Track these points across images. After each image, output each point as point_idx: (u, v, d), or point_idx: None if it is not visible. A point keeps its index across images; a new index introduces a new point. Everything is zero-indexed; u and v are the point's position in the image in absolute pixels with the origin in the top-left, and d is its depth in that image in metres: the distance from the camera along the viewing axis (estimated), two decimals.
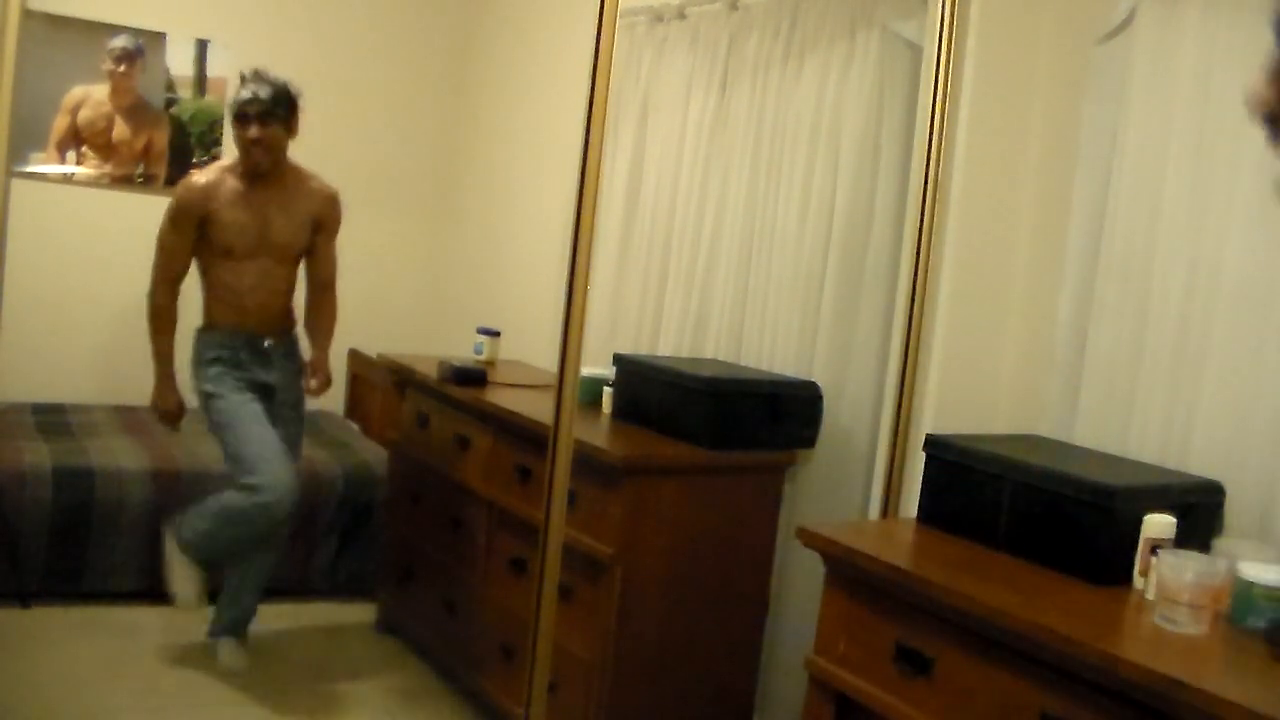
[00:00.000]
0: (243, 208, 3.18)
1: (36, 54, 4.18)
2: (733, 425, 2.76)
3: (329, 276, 3.45)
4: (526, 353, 4.04)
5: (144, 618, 3.62)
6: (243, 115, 3.12)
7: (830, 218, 2.94)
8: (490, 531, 3.16)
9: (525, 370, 3.78)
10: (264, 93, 3.11)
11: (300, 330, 3.43)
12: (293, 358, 3.38)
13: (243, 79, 3.18)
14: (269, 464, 3.07)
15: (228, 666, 3.32)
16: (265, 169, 3.17)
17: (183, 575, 3.22)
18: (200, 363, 3.23)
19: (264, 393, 3.28)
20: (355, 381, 4.88)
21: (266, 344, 3.28)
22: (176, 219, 3.17)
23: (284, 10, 4.71)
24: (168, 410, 3.28)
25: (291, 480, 3.11)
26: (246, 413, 3.16)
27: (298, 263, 3.36)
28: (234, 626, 3.40)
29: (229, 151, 4.62)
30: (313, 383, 3.33)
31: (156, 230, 3.22)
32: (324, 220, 3.35)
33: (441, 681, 3.46)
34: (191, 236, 3.18)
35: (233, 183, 3.18)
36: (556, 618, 2.31)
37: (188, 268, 3.24)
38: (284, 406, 3.33)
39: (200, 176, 3.19)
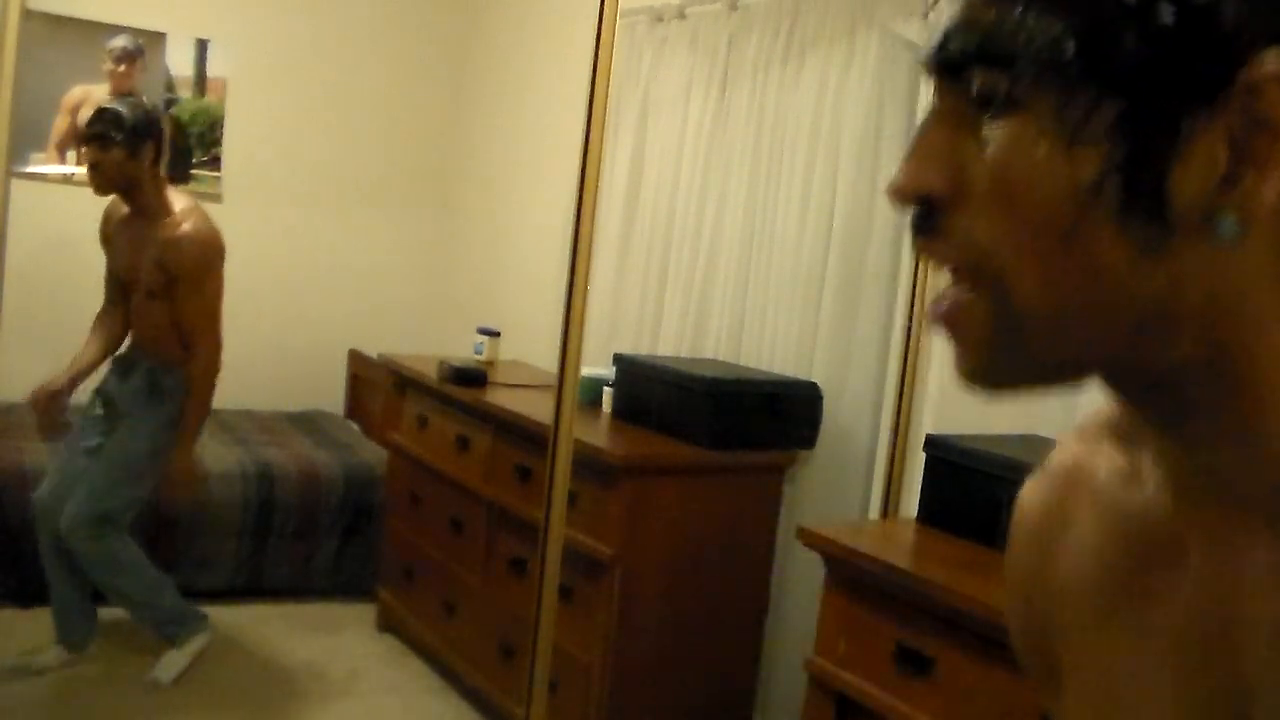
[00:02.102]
0: (118, 235, 3.18)
1: (36, 54, 4.17)
2: (733, 425, 2.76)
3: (190, 328, 3.10)
4: (526, 353, 4.04)
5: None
6: (85, 136, 3.01)
7: (830, 218, 2.94)
8: (490, 531, 3.16)
9: (525, 370, 3.78)
10: (107, 115, 2.96)
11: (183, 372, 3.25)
12: (156, 381, 3.17)
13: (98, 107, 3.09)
14: (47, 480, 3.21)
15: (153, 675, 3.21)
16: (104, 195, 3.09)
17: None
18: None
19: (110, 406, 3.25)
20: (355, 381, 4.88)
21: (131, 362, 3.22)
22: (100, 235, 3.26)
23: (284, 10, 4.70)
24: (35, 393, 3.19)
25: (45, 500, 3.17)
26: (72, 436, 3.25)
27: (167, 300, 3.11)
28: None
29: (229, 152, 4.64)
30: (169, 486, 3.16)
31: (106, 208, 3.26)
32: (170, 264, 3.04)
33: (441, 681, 3.45)
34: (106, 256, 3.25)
35: (123, 209, 3.16)
36: (556, 618, 2.31)
37: (112, 284, 3.28)
38: (123, 419, 3.19)
39: (114, 201, 3.17)
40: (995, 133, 0.48)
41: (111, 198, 3.13)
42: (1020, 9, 0.46)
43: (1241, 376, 0.47)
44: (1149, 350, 0.47)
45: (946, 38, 0.51)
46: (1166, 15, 0.43)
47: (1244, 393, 0.47)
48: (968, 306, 0.50)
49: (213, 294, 3.11)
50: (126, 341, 3.29)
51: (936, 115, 0.52)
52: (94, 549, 3.10)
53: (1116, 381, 0.52)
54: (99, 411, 3.25)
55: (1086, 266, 0.46)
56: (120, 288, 3.25)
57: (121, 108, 2.98)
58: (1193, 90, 0.44)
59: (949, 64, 0.50)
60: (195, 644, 3.31)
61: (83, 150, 3.04)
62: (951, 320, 0.51)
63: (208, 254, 3.06)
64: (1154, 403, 0.50)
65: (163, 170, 3.13)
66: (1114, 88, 0.44)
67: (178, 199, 3.11)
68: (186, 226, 3.03)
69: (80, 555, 3.11)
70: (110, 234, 3.21)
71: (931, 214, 0.50)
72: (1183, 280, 0.45)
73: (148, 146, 2.99)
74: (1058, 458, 0.62)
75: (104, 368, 3.29)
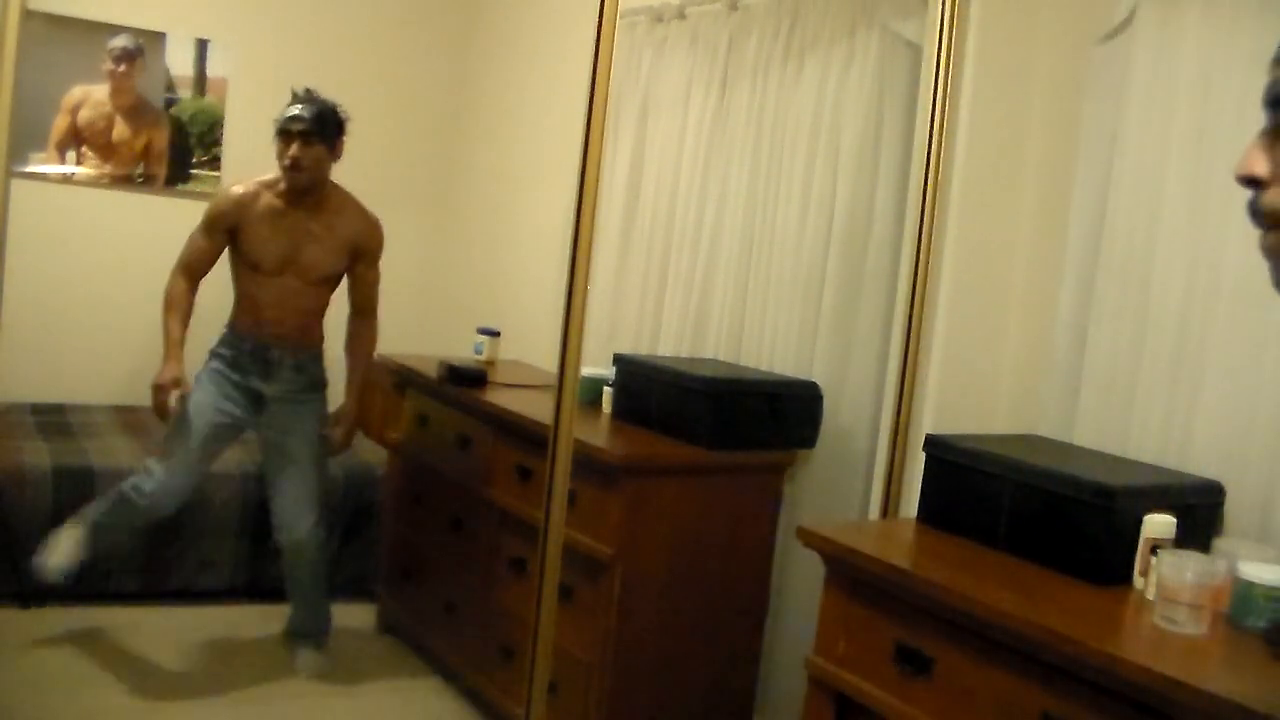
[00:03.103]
0: (274, 225, 3.17)
1: (36, 54, 4.17)
2: (733, 425, 2.76)
3: (368, 303, 3.39)
4: (526, 353, 4.04)
5: (144, 618, 3.62)
6: (284, 132, 3.11)
7: (830, 218, 2.94)
8: (490, 531, 3.16)
9: (525, 370, 3.78)
10: (308, 111, 3.10)
11: (335, 354, 3.42)
12: (304, 374, 3.29)
13: (293, 96, 3.21)
14: (172, 471, 3.17)
15: (302, 670, 3.39)
16: (303, 188, 3.16)
17: (59, 548, 3.20)
18: (209, 356, 3.28)
19: (254, 401, 3.25)
20: None
21: (274, 354, 3.24)
22: (207, 224, 3.22)
23: (284, 10, 4.70)
24: (160, 384, 3.10)
25: (176, 493, 3.19)
26: (203, 419, 3.18)
27: (330, 286, 3.31)
28: (305, 632, 3.47)
29: (229, 152, 4.63)
30: (336, 432, 3.31)
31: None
32: (363, 248, 3.29)
33: (441, 681, 3.46)
34: (219, 243, 3.22)
35: (269, 199, 3.19)
36: (556, 618, 2.31)
37: (207, 269, 3.25)
38: (278, 419, 3.25)
39: (239, 188, 3.21)
40: None
41: (237, 186, 3.22)
42: None
43: None
44: None
45: (1272, 85, 0.79)
46: None
47: None
48: (1275, 242, 0.81)
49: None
50: (238, 327, 3.26)
51: (1266, 131, 0.81)
52: (322, 561, 3.33)
53: None
54: (232, 401, 3.22)
55: None
56: (204, 273, 3.25)
57: (321, 104, 3.16)
58: None
59: (1272, 100, 0.80)
60: (329, 649, 3.49)
61: (289, 149, 3.10)
62: (1274, 252, 0.82)
63: (381, 241, 3.35)
64: None
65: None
66: None
67: (339, 188, 3.29)
68: (368, 211, 3.30)
69: (308, 570, 3.33)
70: (251, 218, 3.18)
71: (1256, 192, 0.81)
72: None
73: (341, 142, 3.19)
74: None
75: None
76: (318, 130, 3.10)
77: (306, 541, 3.23)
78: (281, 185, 3.18)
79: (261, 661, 3.44)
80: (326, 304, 3.33)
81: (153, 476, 3.16)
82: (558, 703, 2.71)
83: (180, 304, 3.21)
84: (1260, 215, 0.81)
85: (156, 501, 3.17)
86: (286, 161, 3.11)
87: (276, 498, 3.26)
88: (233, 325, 3.28)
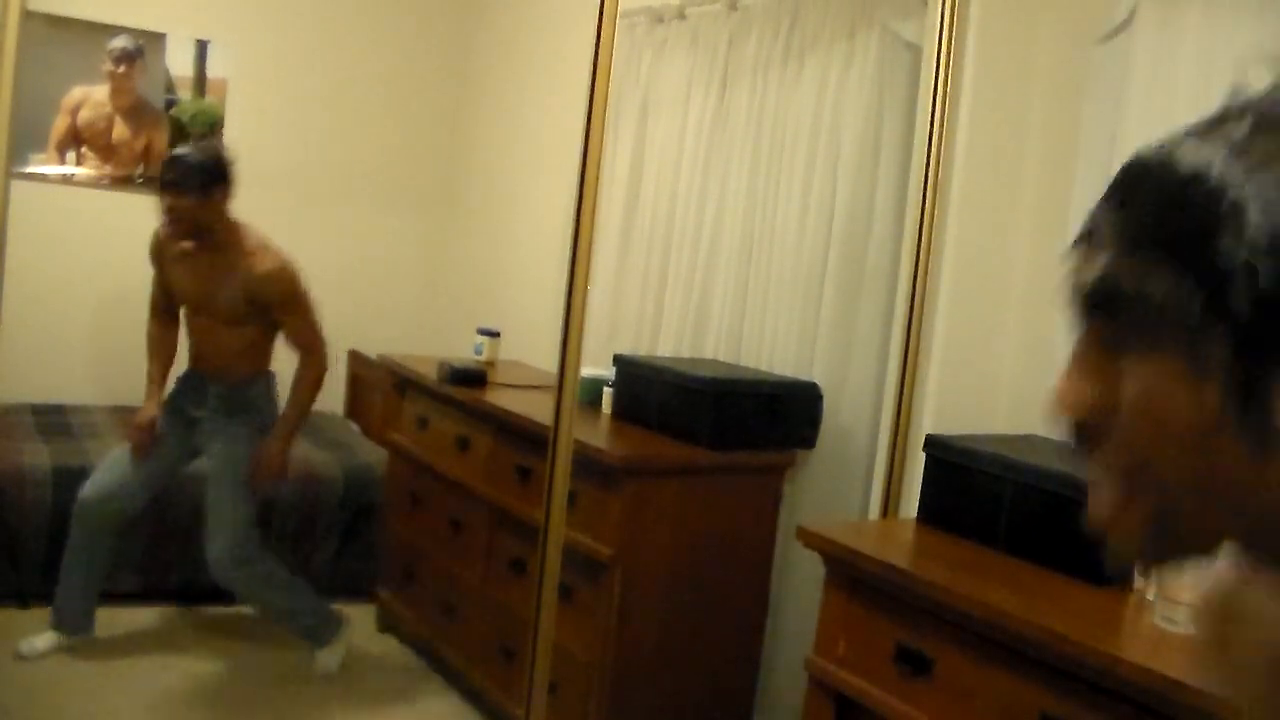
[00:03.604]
0: (182, 266, 3.22)
1: (36, 54, 4.17)
2: (733, 425, 2.76)
3: (299, 345, 3.27)
4: (526, 353, 4.04)
5: (144, 618, 3.62)
6: (160, 182, 3.08)
7: (830, 218, 2.94)
8: (490, 531, 3.16)
9: (525, 370, 3.78)
10: (179, 163, 3.04)
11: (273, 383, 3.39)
12: (231, 402, 3.28)
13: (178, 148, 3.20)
14: (100, 474, 3.24)
15: (317, 670, 3.41)
16: (181, 238, 3.14)
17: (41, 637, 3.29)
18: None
19: (188, 425, 3.31)
20: (355, 382, 4.88)
21: (206, 382, 3.28)
22: (151, 260, 3.31)
23: (284, 10, 4.70)
24: (138, 424, 3.23)
25: (101, 493, 3.20)
26: (141, 438, 3.26)
27: (251, 325, 3.23)
28: (301, 638, 3.45)
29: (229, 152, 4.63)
30: (255, 464, 3.23)
31: (156, 230, 3.25)
32: (263, 298, 3.16)
33: (441, 681, 3.45)
34: (160, 278, 3.32)
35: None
36: (556, 618, 2.31)
37: (166, 302, 3.34)
38: (207, 444, 3.27)
39: (162, 227, 3.19)
40: (1138, 367, 0.58)
41: (161, 225, 3.19)
42: (1157, 267, 0.56)
43: None
44: (1273, 525, 0.58)
45: (1098, 282, 0.60)
46: (1266, 279, 0.53)
47: None
48: (1126, 506, 0.61)
49: (311, 310, 3.25)
50: (185, 360, 3.36)
51: (1086, 342, 0.62)
52: (247, 578, 3.23)
53: (1248, 548, 0.61)
54: (172, 427, 3.29)
55: (1217, 469, 0.56)
56: (171, 308, 3.36)
57: (193, 154, 3.07)
58: None
59: (1098, 304, 0.60)
60: (342, 641, 3.45)
61: (161, 198, 3.07)
62: (1113, 521, 0.62)
63: (295, 282, 3.18)
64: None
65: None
66: (1228, 334, 0.54)
67: (247, 234, 3.19)
68: (269, 264, 3.14)
69: (236, 588, 3.25)
70: (166, 259, 3.26)
71: (1088, 427, 0.62)
72: None
73: (219, 190, 3.08)
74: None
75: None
76: (183, 181, 3.02)
77: (217, 563, 3.18)
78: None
79: (262, 662, 3.44)
80: (255, 340, 3.26)
81: (89, 482, 3.24)
82: (558, 703, 2.71)
83: (154, 343, 3.37)
84: (1096, 456, 0.62)
85: (91, 504, 3.20)
86: (162, 211, 3.10)
87: (207, 527, 3.26)
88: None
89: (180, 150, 3.12)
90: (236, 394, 3.29)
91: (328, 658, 3.42)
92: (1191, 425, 0.56)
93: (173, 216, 3.06)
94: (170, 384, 3.38)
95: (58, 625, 3.29)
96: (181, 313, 3.35)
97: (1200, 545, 0.61)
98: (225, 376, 3.28)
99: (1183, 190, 0.56)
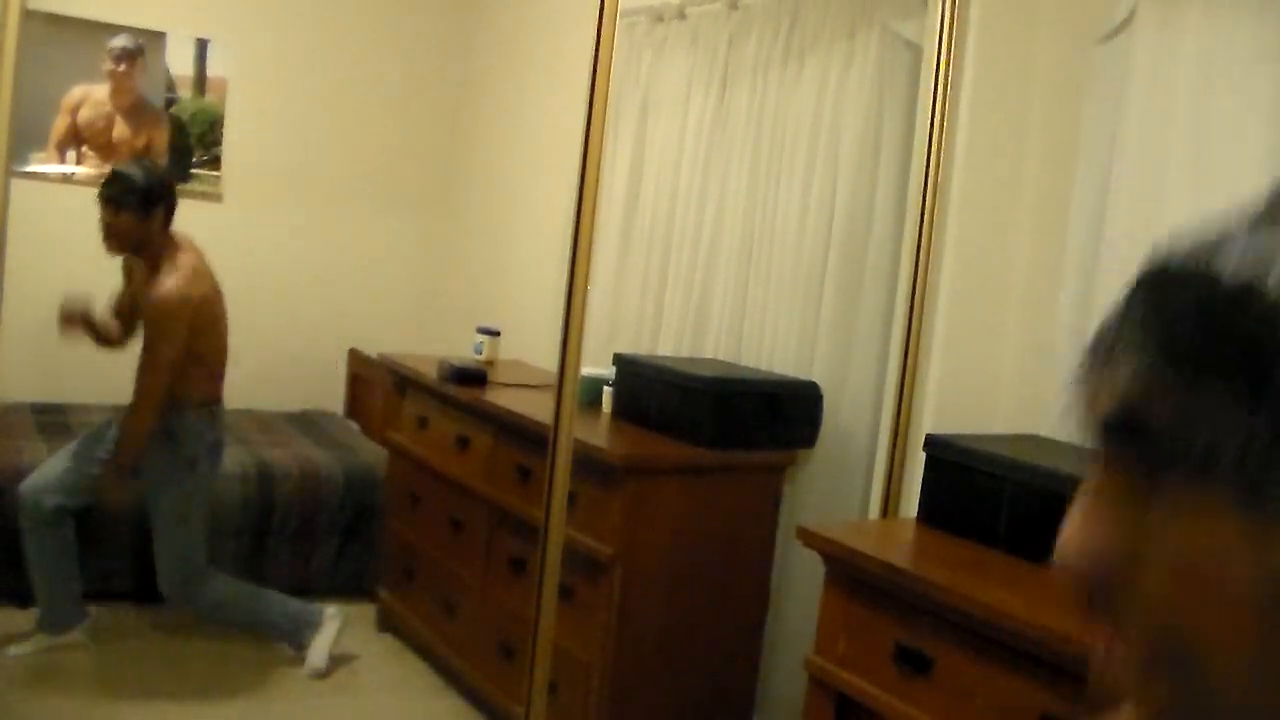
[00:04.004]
0: (130, 281, 3.28)
1: (36, 54, 4.17)
2: (733, 425, 2.76)
3: (138, 377, 3.12)
4: (526, 353, 4.04)
5: (144, 618, 3.62)
6: (99, 197, 3.11)
7: (830, 218, 2.94)
8: (490, 531, 3.16)
9: (525, 370, 3.78)
10: (117, 181, 3.05)
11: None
12: (160, 427, 3.15)
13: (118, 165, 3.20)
14: (39, 469, 3.26)
15: (307, 670, 3.39)
16: (115, 253, 3.16)
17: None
18: None
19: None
20: (355, 381, 4.88)
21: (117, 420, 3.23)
22: None
23: (284, 10, 4.70)
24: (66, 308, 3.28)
25: (36, 486, 3.20)
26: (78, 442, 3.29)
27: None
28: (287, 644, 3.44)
29: (229, 152, 4.64)
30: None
31: None
32: (145, 319, 3.13)
33: (441, 681, 3.45)
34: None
35: None
36: (556, 618, 2.31)
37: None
38: (145, 474, 3.21)
39: (102, 240, 3.20)
40: (1177, 511, 0.45)
41: None
42: (1206, 391, 0.44)
43: None
44: None
45: (1124, 404, 0.47)
46: None
47: None
48: (1147, 683, 0.47)
49: (160, 348, 3.07)
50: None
51: (1105, 476, 0.49)
52: (200, 602, 3.25)
53: None
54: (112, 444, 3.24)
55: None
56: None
57: (134, 172, 3.07)
58: None
59: (1123, 430, 0.47)
60: (324, 636, 3.42)
61: (99, 212, 3.09)
62: (1129, 695, 0.47)
63: (165, 311, 3.05)
64: None
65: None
66: None
67: (182, 258, 3.12)
68: (160, 287, 3.06)
69: (192, 611, 3.28)
70: (129, 274, 3.31)
71: (1104, 583, 0.48)
72: None
73: (159, 210, 3.09)
74: None
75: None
76: (121, 199, 3.04)
77: (169, 598, 3.23)
78: None
79: (261, 661, 3.44)
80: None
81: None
82: (558, 703, 2.71)
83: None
84: (1111, 626, 0.48)
85: (26, 497, 3.19)
86: (100, 226, 3.11)
87: None
88: None
89: (122, 167, 3.13)
90: (168, 420, 3.17)
91: (314, 656, 3.41)
92: (1251, 593, 0.43)
93: (109, 231, 3.09)
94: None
95: (40, 627, 3.30)
96: None
97: None
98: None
99: (1233, 305, 0.44)
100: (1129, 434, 0.46)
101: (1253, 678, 0.43)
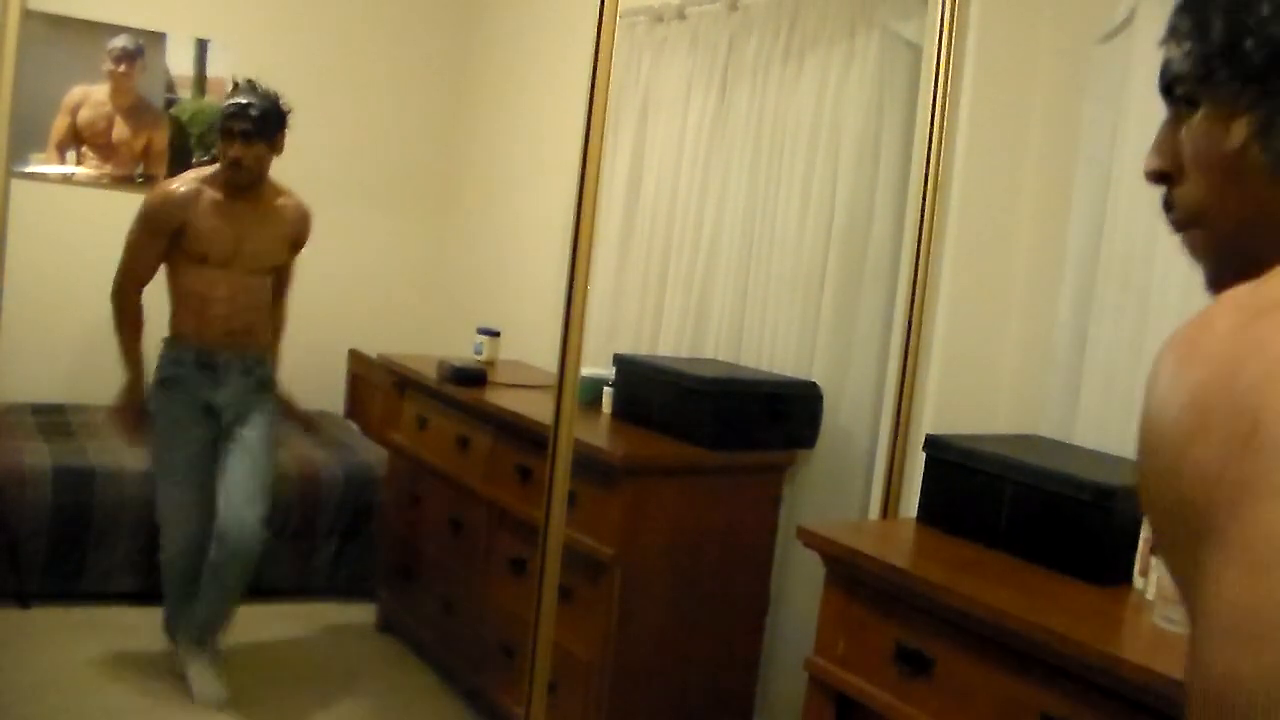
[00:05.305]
0: (220, 218, 3.09)
1: (36, 54, 4.17)
2: (733, 425, 2.76)
3: (285, 286, 3.43)
4: (526, 353, 4.04)
5: (143, 618, 3.61)
6: (227, 131, 3.04)
7: (830, 218, 2.94)
8: (490, 531, 3.16)
9: (525, 370, 3.78)
10: (252, 110, 3.02)
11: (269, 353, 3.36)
12: (251, 377, 3.21)
13: (235, 86, 3.15)
14: (175, 528, 3.17)
15: (201, 700, 3.14)
16: (245, 186, 3.11)
17: (200, 674, 3.17)
18: (156, 381, 3.16)
19: (209, 414, 3.16)
20: (355, 381, 4.88)
21: (220, 359, 3.15)
22: (149, 225, 3.09)
23: (284, 10, 4.70)
24: (121, 409, 3.13)
25: (195, 538, 3.15)
26: (173, 465, 3.14)
27: (270, 276, 3.28)
28: (203, 637, 3.23)
29: None
30: (294, 416, 3.39)
31: (167, 190, 3.16)
32: (299, 238, 3.31)
33: (441, 681, 3.46)
34: (162, 244, 3.10)
35: (210, 193, 3.10)
36: (556, 618, 2.31)
37: (153, 273, 3.16)
38: (231, 424, 3.16)
39: (177, 184, 3.11)
40: (1188, 125, 0.75)
41: (174, 182, 3.14)
42: (1189, 43, 0.73)
43: None
44: None
45: (1163, 73, 0.76)
46: (1276, 28, 0.67)
47: None
48: (1194, 240, 0.77)
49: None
50: (181, 337, 3.17)
51: (1166, 121, 0.78)
52: (262, 544, 3.13)
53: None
54: (196, 429, 3.15)
55: (1251, 197, 0.71)
56: (194, 270, 3.13)
57: (260, 102, 3.07)
58: None
59: (1166, 89, 0.77)
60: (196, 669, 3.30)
61: (231, 147, 3.04)
62: (1195, 251, 0.77)
63: (309, 226, 3.35)
64: None
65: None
66: (1249, 81, 0.69)
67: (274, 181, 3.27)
68: (299, 201, 3.30)
69: (251, 560, 3.11)
70: (192, 219, 3.08)
71: (1165, 177, 0.77)
72: None
73: (282, 136, 3.14)
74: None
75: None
76: (258, 130, 3.03)
77: (254, 532, 3.06)
78: (220, 179, 3.12)
79: (261, 660, 3.44)
80: (270, 298, 3.30)
81: (168, 541, 3.19)
82: (558, 703, 2.71)
83: (137, 318, 3.16)
84: (1174, 212, 0.77)
85: (181, 558, 3.18)
86: (229, 160, 3.05)
87: (227, 489, 3.10)
88: (174, 336, 3.17)
89: (241, 98, 3.07)
90: (256, 368, 3.21)
91: (219, 684, 3.19)
92: (1225, 154, 0.71)
93: (243, 165, 3.05)
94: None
95: (184, 637, 3.24)
96: (176, 277, 3.17)
97: (1254, 264, 0.70)
98: (245, 347, 3.18)
99: None
100: (1168, 90, 0.76)
101: (1240, 215, 0.72)
